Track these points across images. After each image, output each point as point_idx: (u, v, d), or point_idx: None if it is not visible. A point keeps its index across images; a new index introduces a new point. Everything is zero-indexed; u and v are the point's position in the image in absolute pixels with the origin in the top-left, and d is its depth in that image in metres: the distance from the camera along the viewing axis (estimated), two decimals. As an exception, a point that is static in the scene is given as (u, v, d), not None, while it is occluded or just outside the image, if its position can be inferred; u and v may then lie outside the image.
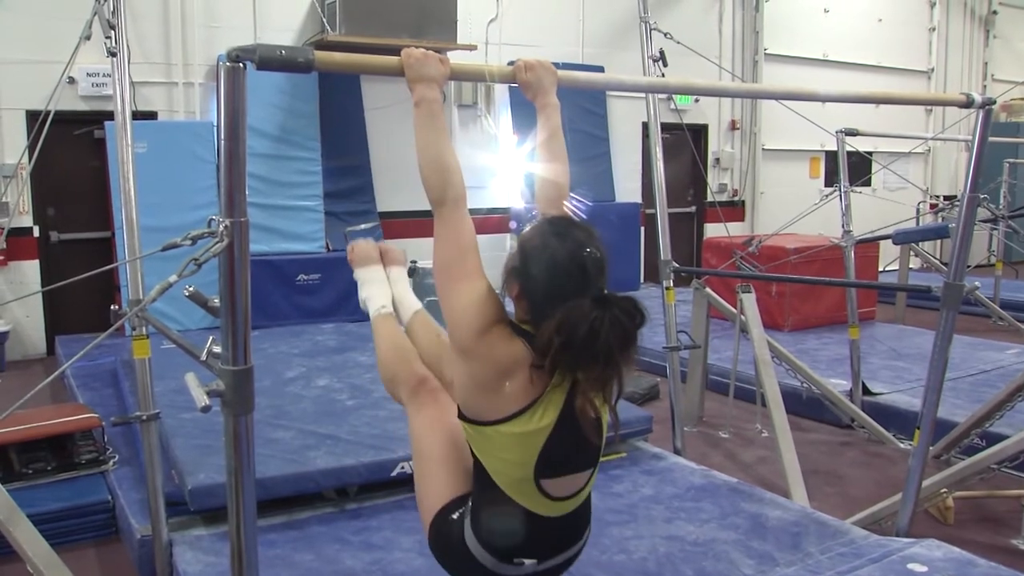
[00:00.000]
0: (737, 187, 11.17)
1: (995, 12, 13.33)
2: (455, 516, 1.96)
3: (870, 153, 8.20)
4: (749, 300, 4.75)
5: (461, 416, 1.86)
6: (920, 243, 8.56)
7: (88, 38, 3.56)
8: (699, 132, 10.66)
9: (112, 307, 3.17)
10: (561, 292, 1.72)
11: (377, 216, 8.14)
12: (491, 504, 1.87)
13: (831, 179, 10.28)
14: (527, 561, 1.90)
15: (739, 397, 5.37)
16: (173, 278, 1.80)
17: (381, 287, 2.50)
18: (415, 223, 8.07)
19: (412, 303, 2.45)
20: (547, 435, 1.78)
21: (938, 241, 11.06)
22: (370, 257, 2.54)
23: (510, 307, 1.87)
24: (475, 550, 1.90)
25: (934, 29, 12.79)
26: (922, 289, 3.41)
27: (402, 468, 3.71)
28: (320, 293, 7.41)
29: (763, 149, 11.15)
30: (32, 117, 6.74)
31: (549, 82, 2.12)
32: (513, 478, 1.83)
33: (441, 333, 2.31)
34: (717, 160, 10.93)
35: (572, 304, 1.69)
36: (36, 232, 7.13)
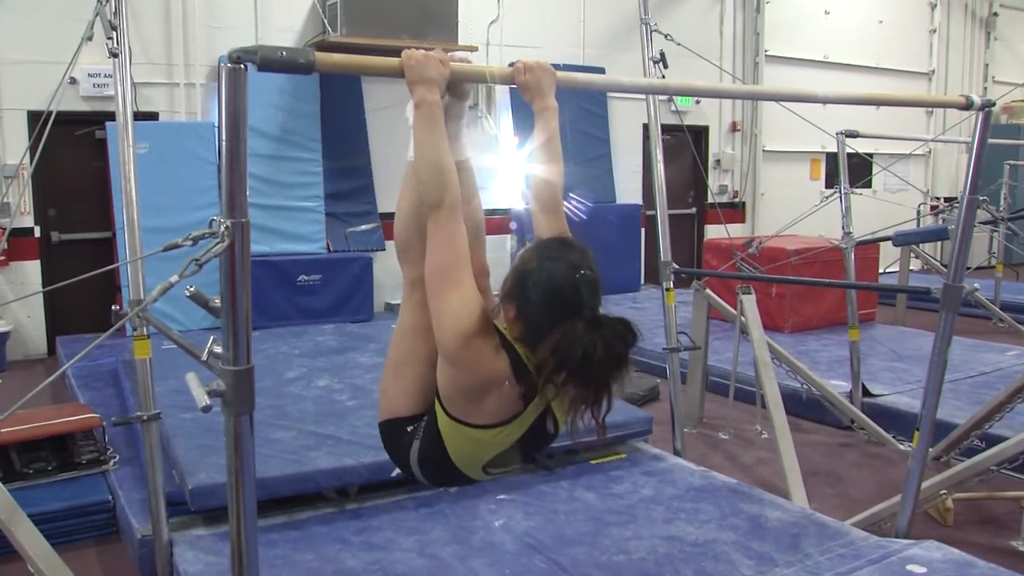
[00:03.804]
0: (738, 188, 11.17)
1: (996, 14, 13.33)
2: (408, 429, 2.04)
3: (870, 155, 8.21)
4: (749, 301, 4.75)
5: (438, 397, 1.92)
6: (920, 245, 8.56)
7: (90, 39, 3.58)
8: (700, 133, 10.66)
9: (113, 307, 3.18)
10: (556, 314, 1.76)
11: (378, 217, 8.14)
12: (437, 459, 1.97)
13: (831, 181, 10.26)
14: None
15: (739, 398, 5.37)
16: (174, 278, 1.80)
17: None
18: (415, 224, 8.06)
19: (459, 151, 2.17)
20: (508, 445, 1.89)
21: (939, 243, 11.05)
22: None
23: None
24: (415, 469, 2.05)
25: (935, 31, 12.79)
26: (921, 291, 3.41)
27: (402, 468, 3.72)
28: (321, 294, 7.42)
29: (764, 151, 11.15)
30: (34, 117, 6.75)
31: (548, 84, 2.12)
32: (464, 459, 1.95)
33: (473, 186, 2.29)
34: (718, 161, 10.93)
35: (566, 326, 1.73)
36: (37, 232, 7.14)
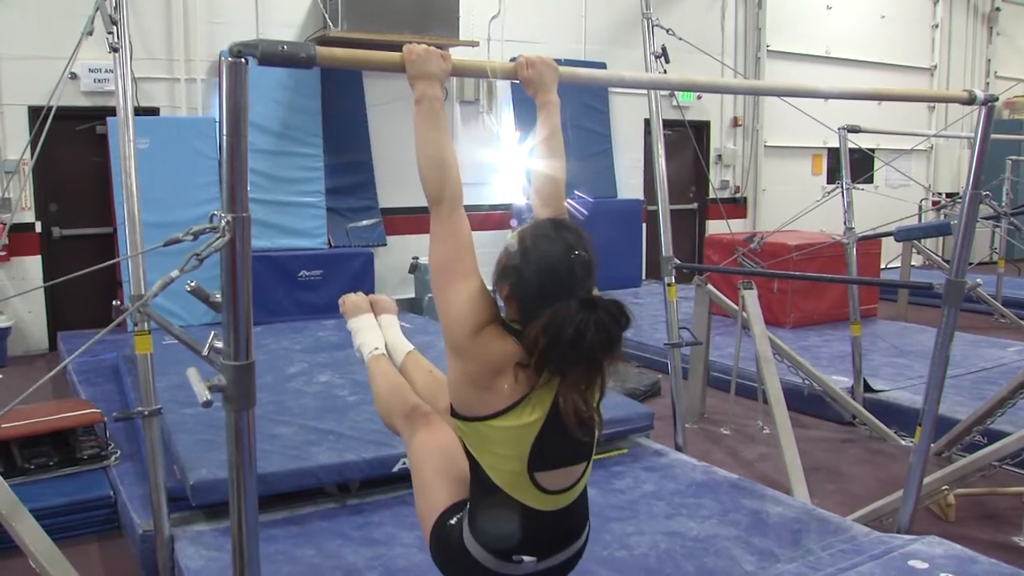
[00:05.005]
0: (739, 184, 11.16)
1: (998, 9, 13.30)
2: (453, 521, 1.98)
3: (872, 150, 8.20)
4: (751, 297, 4.75)
5: (454, 414, 1.87)
6: (922, 240, 8.55)
7: (90, 34, 3.58)
8: (701, 129, 10.65)
9: (114, 303, 3.17)
10: (549, 293, 1.74)
11: (379, 212, 8.14)
12: (488, 502, 1.88)
13: (833, 176, 10.27)
14: (527, 559, 1.91)
15: (741, 394, 5.37)
16: (175, 273, 1.80)
17: (373, 333, 2.62)
18: (416, 219, 8.07)
19: (404, 346, 2.58)
20: (538, 428, 1.81)
21: (940, 238, 11.05)
22: (360, 308, 2.67)
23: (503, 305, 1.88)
24: (475, 551, 1.91)
25: (937, 26, 12.76)
26: (924, 286, 3.41)
27: (403, 464, 3.72)
28: (322, 289, 7.41)
29: (765, 146, 11.14)
30: (34, 113, 6.74)
31: (550, 78, 2.12)
32: (508, 472, 1.85)
33: (433, 369, 2.46)
34: (719, 157, 10.91)
35: (559, 306, 1.71)
36: (38, 228, 7.13)
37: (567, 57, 8.65)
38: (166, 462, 3.40)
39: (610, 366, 1.77)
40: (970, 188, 3.09)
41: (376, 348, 2.56)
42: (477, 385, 1.79)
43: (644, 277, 9.85)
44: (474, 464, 1.89)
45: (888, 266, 9.76)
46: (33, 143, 4.15)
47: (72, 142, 7.09)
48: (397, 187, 8.13)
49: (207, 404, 1.85)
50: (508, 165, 8.87)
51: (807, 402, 5.35)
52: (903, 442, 4.95)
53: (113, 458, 4.10)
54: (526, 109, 8.53)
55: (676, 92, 7.77)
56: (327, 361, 5.55)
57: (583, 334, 1.68)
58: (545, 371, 1.77)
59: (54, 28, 6.49)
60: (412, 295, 8.20)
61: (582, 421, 1.81)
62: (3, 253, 6.89)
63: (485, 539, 1.90)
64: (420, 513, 2.11)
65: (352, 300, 2.68)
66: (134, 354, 3.20)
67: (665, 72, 4.32)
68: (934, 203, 10.74)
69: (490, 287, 1.86)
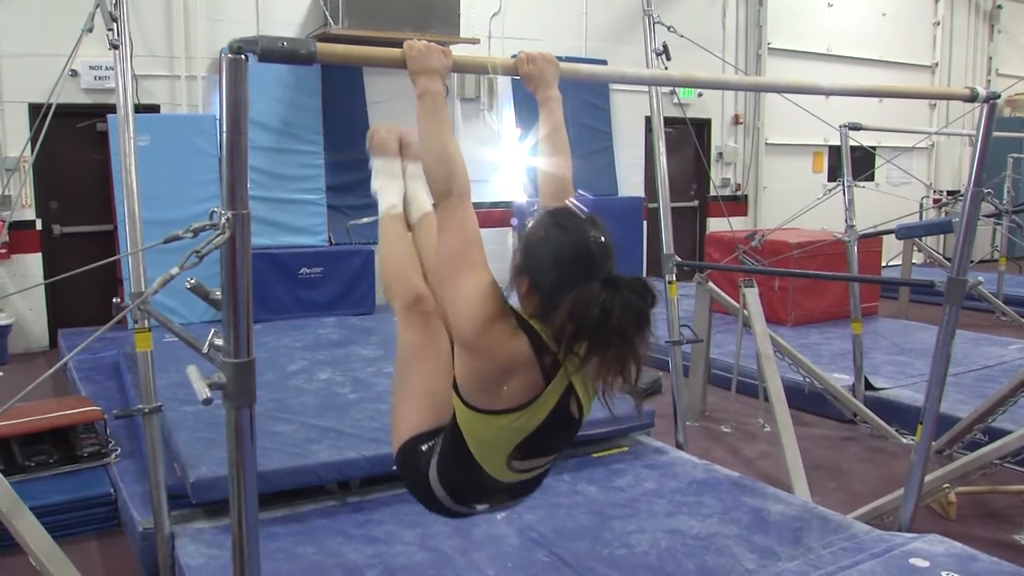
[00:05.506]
0: (740, 181, 11.15)
1: (999, 7, 13.28)
2: (424, 448, 2.01)
3: (873, 148, 8.19)
4: (752, 295, 4.75)
5: (455, 390, 1.87)
6: (923, 238, 8.53)
7: (90, 31, 3.57)
8: (702, 126, 10.64)
9: (114, 300, 3.17)
10: (569, 280, 1.72)
11: (380, 210, 8.12)
12: (458, 461, 1.92)
13: (834, 174, 10.26)
14: (480, 506, 2.05)
15: (741, 392, 5.37)
16: (175, 270, 1.80)
17: (394, 182, 2.41)
18: (417, 217, 8.06)
19: (423, 204, 2.38)
20: (532, 430, 1.82)
21: (941, 236, 11.03)
22: (388, 147, 2.42)
23: (514, 301, 1.86)
24: (435, 487, 1.98)
25: (938, 23, 12.75)
26: (925, 284, 3.40)
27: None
28: (322, 287, 7.42)
29: (766, 143, 11.13)
30: (35, 110, 6.73)
31: (551, 74, 2.12)
32: (487, 452, 1.88)
33: None
34: (720, 154, 10.90)
35: (580, 289, 1.68)
36: (39, 225, 7.13)
37: (568, 54, 8.64)
38: (166, 459, 3.40)
39: (642, 343, 1.73)
40: (972, 186, 3.08)
41: (393, 205, 2.37)
42: (488, 383, 1.78)
43: (645, 275, 9.80)
44: (456, 428, 1.89)
45: (889, 264, 9.75)
46: (33, 140, 4.15)
47: (72, 139, 7.09)
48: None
49: (207, 402, 1.85)
50: (509, 162, 8.87)
51: (808, 400, 5.35)
52: (904, 440, 4.95)
53: (113, 456, 4.10)
54: (527, 106, 8.52)
55: (677, 89, 7.77)
56: (328, 359, 5.55)
57: (609, 313, 1.66)
58: (559, 373, 1.76)
59: (54, 25, 6.48)
60: (413, 293, 8.19)
61: (575, 420, 1.86)
62: (3, 251, 6.89)
63: (447, 484, 1.97)
64: (394, 418, 2.12)
65: (381, 136, 2.41)
66: (134, 351, 3.20)
67: (666, 69, 4.31)
68: (935, 201, 10.72)
69: (504, 285, 1.84)
